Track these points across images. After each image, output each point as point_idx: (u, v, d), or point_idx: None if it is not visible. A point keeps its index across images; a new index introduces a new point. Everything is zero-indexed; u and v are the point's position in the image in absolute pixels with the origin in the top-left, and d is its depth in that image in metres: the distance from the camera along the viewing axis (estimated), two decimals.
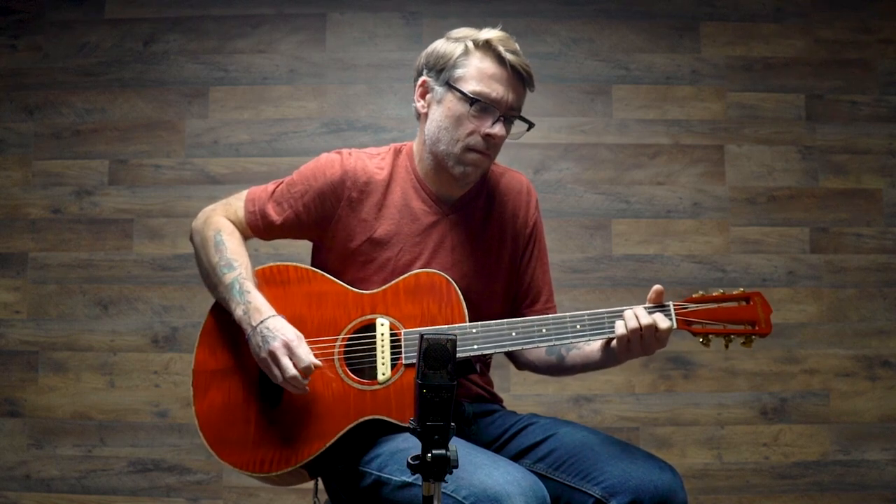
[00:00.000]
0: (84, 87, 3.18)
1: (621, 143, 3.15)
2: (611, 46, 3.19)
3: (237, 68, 3.18)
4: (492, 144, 1.70)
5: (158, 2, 3.20)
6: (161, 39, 3.19)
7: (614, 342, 1.60)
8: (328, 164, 1.75)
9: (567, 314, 1.62)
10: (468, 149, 1.68)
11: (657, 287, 1.60)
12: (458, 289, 1.65)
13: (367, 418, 1.61)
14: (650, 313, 1.57)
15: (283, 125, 3.15)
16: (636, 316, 1.56)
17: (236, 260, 1.69)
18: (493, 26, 1.73)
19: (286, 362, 1.57)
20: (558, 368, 1.81)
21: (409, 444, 1.52)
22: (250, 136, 3.15)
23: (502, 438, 1.72)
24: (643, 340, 1.56)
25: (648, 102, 3.16)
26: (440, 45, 1.72)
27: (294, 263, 1.74)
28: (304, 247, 1.86)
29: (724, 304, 1.61)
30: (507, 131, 1.71)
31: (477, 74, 1.67)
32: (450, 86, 1.69)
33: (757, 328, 1.60)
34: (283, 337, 1.59)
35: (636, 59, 3.18)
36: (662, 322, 1.56)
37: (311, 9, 3.20)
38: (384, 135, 3.12)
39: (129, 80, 3.18)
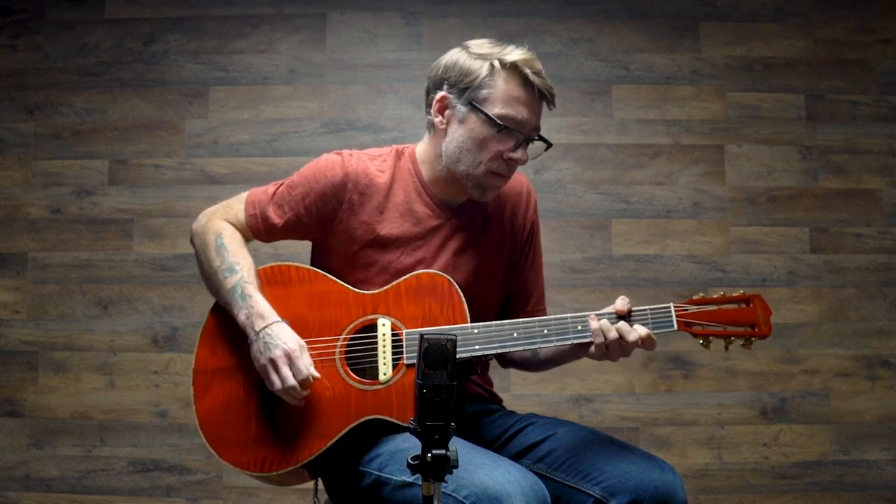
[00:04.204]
0: (84, 87, 3.18)
1: (621, 143, 3.15)
2: (611, 46, 3.19)
3: (237, 68, 3.18)
4: (512, 167, 1.69)
5: (158, 2, 3.20)
6: (161, 39, 3.19)
7: (591, 348, 1.61)
8: (329, 165, 1.74)
9: (568, 315, 1.62)
10: (490, 173, 1.67)
11: (619, 304, 1.61)
12: (459, 290, 1.65)
13: (367, 418, 1.61)
14: (612, 323, 1.58)
15: (283, 125, 3.15)
16: (602, 331, 1.57)
17: (238, 263, 1.69)
18: (507, 38, 1.71)
19: (286, 372, 1.57)
20: (534, 364, 1.84)
21: (409, 444, 1.52)
22: (250, 136, 3.15)
23: (502, 438, 1.73)
24: (609, 351, 1.58)
25: (648, 102, 3.16)
26: (463, 61, 1.68)
27: (295, 263, 1.74)
28: (303, 247, 1.86)
29: (724, 307, 1.62)
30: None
31: (503, 97, 1.64)
32: (474, 106, 1.66)
33: (757, 330, 1.60)
34: (284, 346, 1.58)
35: (636, 59, 3.18)
36: (629, 335, 1.56)
37: (311, 9, 3.20)
38: (384, 135, 3.12)
39: (129, 80, 3.18)
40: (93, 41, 3.20)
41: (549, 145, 1.73)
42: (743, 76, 3.18)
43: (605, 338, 1.57)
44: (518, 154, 1.66)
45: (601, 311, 1.62)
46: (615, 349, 1.58)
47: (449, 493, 1.40)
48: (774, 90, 3.17)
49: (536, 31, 3.18)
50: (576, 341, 1.61)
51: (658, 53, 3.19)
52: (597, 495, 1.53)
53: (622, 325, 1.57)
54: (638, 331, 1.56)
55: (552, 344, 1.61)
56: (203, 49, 3.19)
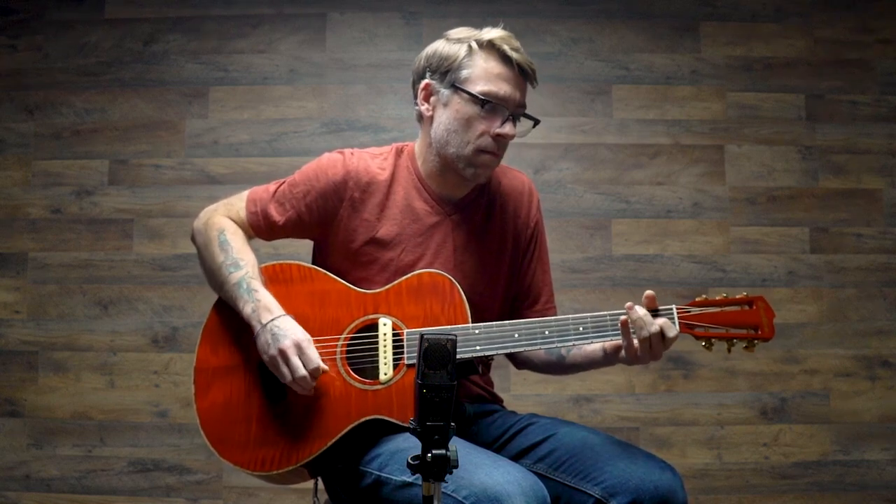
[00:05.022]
0: (84, 87, 3.18)
1: (621, 143, 3.15)
2: (611, 46, 3.19)
3: (237, 68, 3.18)
4: (502, 144, 1.70)
5: (158, 2, 3.20)
6: (161, 39, 3.19)
7: (622, 351, 1.59)
8: (330, 164, 1.75)
9: (570, 316, 1.62)
10: (479, 150, 1.68)
11: (648, 293, 1.59)
12: (461, 289, 1.65)
13: (368, 418, 1.61)
14: (654, 318, 1.56)
15: (283, 125, 3.15)
16: (645, 324, 1.54)
17: (242, 259, 1.70)
18: (494, 25, 1.73)
19: (296, 362, 1.58)
20: (559, 367, 1.81)
21: (409, 444, 1.52)
22: (250, 136, 3.15)
23: (502, 439, 1.72)
24: (652, 348, 1.56)
25: (648, 102, 3.17)
26: (441, 47, 1.71)
27: (297, 262, 1.74)
28: (304, 246, 1.86)
29: (726, 308, 1.61)
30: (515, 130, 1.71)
31: (484, 74, 1.66)
32: (456, 88, 1.68)
33: (760, 332, 1.59)
34: (293, 336, 1.59)
35: (636, 59, 3.18)
36: (670, 331, 1.55)
37: (311, 9, 3.20)
38: (384, 135, 3.12)
39: (129, 80, 3.18)
40: (93, 41, 3.20)
41: (536, 122, 1.73)
42: (743, 76, 3.18)
43: (648, 331, 1.53)
44: (506, 129, 1.67)
45: (621, 311, 1.59)
46: (656, 346, 1.54)
47: (449, 493, 1.40)
48: (774, 90, 3.17)
49: (536, 31, 3.18)
50: (576, 342, 1.60)
51: (658, 53, 3.19)
52: (597, 495, 1.53)
53: (664, 320, 1.55)
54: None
55: (553, 345, 1.61)
56: (203, 49, 3.19)
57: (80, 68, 3.18)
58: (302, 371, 1.57)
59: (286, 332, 1.59)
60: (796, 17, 3.20)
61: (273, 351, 1.59)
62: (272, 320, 1.61)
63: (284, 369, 1.59)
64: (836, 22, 3.20)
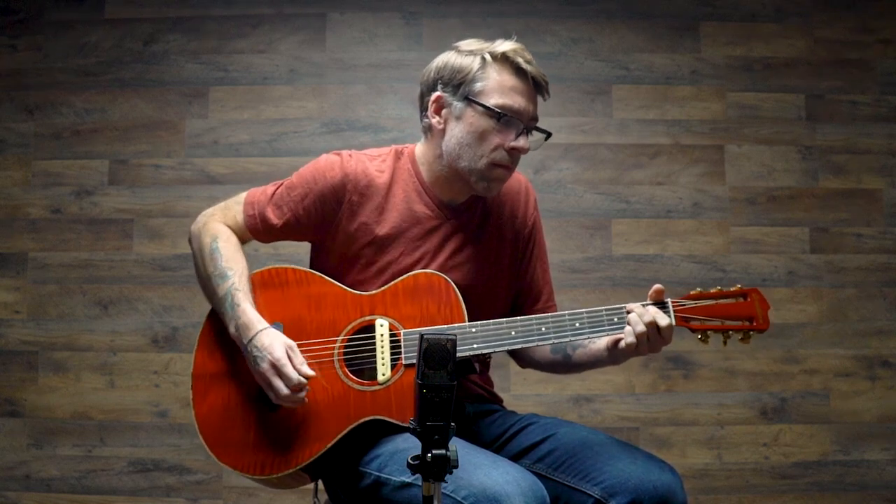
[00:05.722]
0: (84, 87, 3.18)
1: (621, 143, 3.15)
2: (611, 46, 3.19)
3: (237, 68, 3.18)
4: (515, 158, 1.69)
5: (158, 2, 3.20)
6: (161, 39, 3.19)
7: (622, 342, 1.59)
8: (328, 166, 1.74)
9: (566, 312, 1.62)
10: (493, 164, 1.67)
11: (657, 286, 1.60)
12: (456, 289, 1.65)
13: (367, 419, 1.61)
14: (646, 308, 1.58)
15: (283, 125, 3.15)
16: (639, 317, 1.56)
17: (230, 269, 1.69)
18: (507, 37, 1.71)
19: (277, 383, 1.57)
20: (564, 366, 1.81)
21: (409, 445, 1.52)
22: (250, 136, 3.15)
23: (502, 438, 1.72)
24: (649, 340, 1.56)
25: (648, 102, 3.16)
26: (453, 59, 1.69)
27: (292, 265, 1.74)
28: (303, 248, 1.86)
29: (721, 301, 1.62)
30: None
31: (498, 87, 1.65)
32: (470, 101, 1.66)
33: (755, 324, 1.60)
34: (269, 356, 1.57)
35: (636, 59, 3.18)
36: (662, 320, 1.56)
37: (311, 9, 3.20)
38: (384, 135, 3.12)
39: (129, 80, 3.18)
40: (93, 41, 3.20)
41: (548, 135, 1.72)
42: (743, 76, 3.18)
43: (643, 322, 1.55)
44: (520, 143, 1.66)
45: (617, 305, 1.61)
46: (653, 338, 1.55)
47: (448, 493, 1.40)
48: (774, 90, 3.17)
49: (536, 31, 3.18)
50: (573, 338, 1.61)
51: (658, 53, 3.19)
52: (596, 496, 1.53)
53: (654, 309, 1.56)
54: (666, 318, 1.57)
55: (550, 341, 1.61)
56: (203, 49, 3.19)
57: (80, 68, 3.18)
58: (284, 391, 1.56)
59: (263, 353, 1.58)
60: (796, 17, 3.20)
61: (257, 376, 1.60)
62: (251, 339, 1.60)
63: (269, 392, 1.59)
64: (836, 22, 3.20)
